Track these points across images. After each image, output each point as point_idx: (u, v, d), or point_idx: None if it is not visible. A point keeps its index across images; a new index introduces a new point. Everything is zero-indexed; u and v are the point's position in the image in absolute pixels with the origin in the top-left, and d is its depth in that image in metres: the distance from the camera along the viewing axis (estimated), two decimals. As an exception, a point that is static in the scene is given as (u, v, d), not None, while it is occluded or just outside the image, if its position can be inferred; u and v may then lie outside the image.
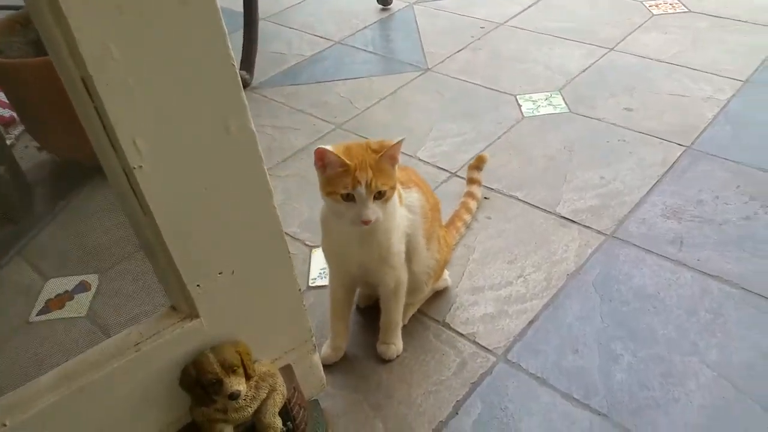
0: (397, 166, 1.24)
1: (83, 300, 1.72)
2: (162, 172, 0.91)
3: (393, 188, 1.22)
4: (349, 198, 1.18)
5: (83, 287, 1.75)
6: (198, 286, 1.02)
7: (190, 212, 0.96)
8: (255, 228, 1.06)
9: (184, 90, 0.88)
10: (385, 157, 1.19)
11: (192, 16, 0.84)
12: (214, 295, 1.05)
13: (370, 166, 1.17)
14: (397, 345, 1.47)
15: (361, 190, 1.17)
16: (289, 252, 1.12)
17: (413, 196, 1.37)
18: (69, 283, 1.78)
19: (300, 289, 1.18)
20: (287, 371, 1.22)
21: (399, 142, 1.20)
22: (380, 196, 1.19)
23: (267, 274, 1.11)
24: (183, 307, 1.05)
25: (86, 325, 1.64)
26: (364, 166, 1.17)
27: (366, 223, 1.19)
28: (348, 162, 1.16)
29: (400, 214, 1.31)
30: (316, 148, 1.17)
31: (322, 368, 1.32)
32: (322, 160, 1.19)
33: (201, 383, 1.05)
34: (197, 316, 1.05)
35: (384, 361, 1.46)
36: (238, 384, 1.06)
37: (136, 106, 0.85)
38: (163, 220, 0.94)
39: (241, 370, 1.08)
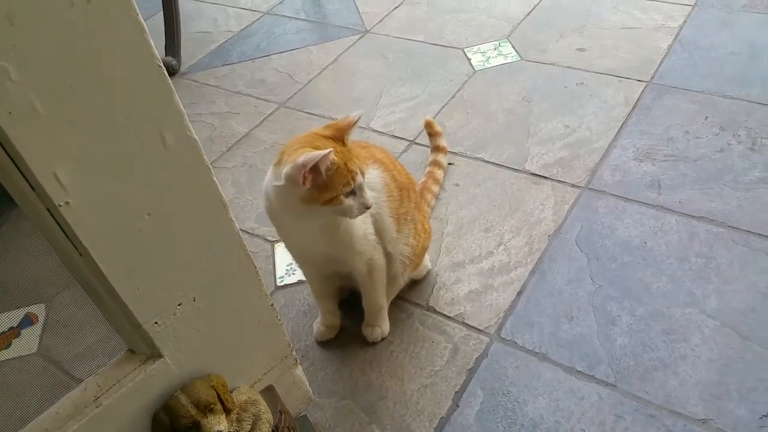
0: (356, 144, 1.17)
1: (31, 335, 1.56)
2: (94, 205, 0.77)
3: None
4: (350, 194, 1.11)
5: (29, 321, 1.59)
6: (156, 323, 0.89)
7: (134, 244, 0.83)
8: (212, 247, 0.93)
9: (105, 105, 0.74)
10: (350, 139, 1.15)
11: (101, 15, 0.69)
12: (176, 329, 0.93)
13: (350, 153, 1.12)
14: (382, 327, 1.39)
15: (360, 179, 1.11)
16: (255, 267, 0.99)
17: (373, 173, 1.26)
18: (13, 317, 1.61)
19: (272, 304, 1.06)
20: (270, 393, 1.10)
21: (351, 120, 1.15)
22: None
23: (232, 294, 0.99)
24: (142, 348, 0.92)
25: (39, 363, 1.49)
26: (347, 156, 1.10)
27: (369, 207, 1.14)
28: (337, 159, 1.08)
29: None
30: (300, 162, 1.02)
31: (306, 381, 1.21)
32: (314, 172, 1.05)
33: (176, 430, 0.93)
34: (160, 356, 0.92)
35: (370, 344, 1.38)
36: (218, 423, 0.94)
37: (51, 134, 0.71)
38: (104, 259, 0.81)
39: (218, 407, 0.96)
